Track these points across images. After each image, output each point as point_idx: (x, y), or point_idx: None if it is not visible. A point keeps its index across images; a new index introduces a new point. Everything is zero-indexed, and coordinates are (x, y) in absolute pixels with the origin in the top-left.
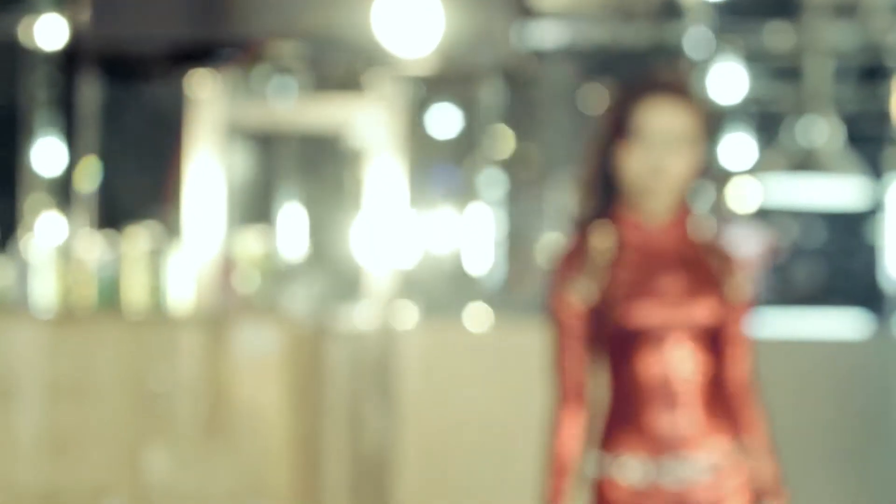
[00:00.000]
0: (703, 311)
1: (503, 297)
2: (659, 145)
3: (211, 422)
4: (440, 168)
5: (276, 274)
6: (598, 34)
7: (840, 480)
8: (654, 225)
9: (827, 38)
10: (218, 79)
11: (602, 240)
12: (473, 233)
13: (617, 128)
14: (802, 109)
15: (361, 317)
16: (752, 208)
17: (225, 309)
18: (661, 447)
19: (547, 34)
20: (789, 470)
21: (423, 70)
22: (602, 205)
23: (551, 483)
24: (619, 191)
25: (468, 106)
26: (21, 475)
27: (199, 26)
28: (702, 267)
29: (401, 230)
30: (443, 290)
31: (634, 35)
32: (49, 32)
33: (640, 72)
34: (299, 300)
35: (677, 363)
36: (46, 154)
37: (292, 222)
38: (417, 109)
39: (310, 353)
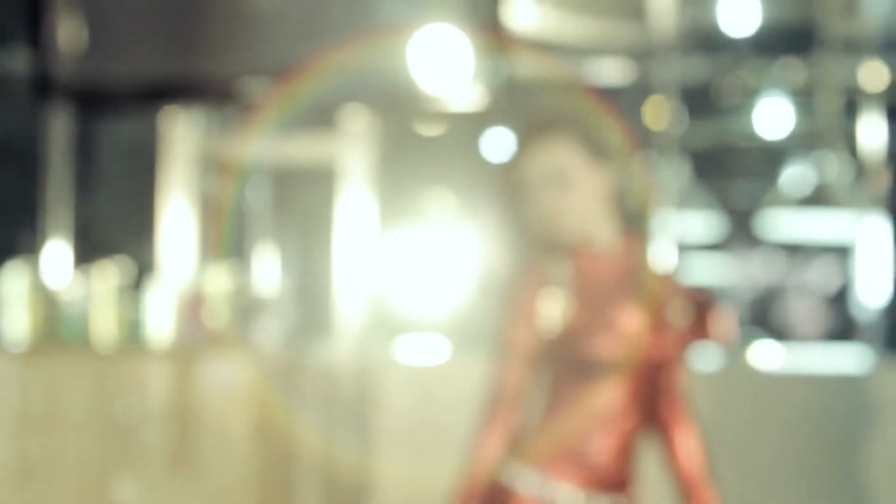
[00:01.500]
0: (652, 344)
1: (479, 329)
2: (541, 192)
3: (180, 454)
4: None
5: (248, 308)
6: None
7: None
8: (601, 252)
9: (839, 75)
10: (191, 115)
11: (556, 270)
12: (449, 265)
13: (508, 183)
14: (815, 145)
15: (335, 350)
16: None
17: (194, 343)
18: (594, 481)
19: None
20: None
21: (403, 106)
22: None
23: (461, 497)
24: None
25: (447, 140)
26: None
27: (174, 62)
28: (648, 298)
29: (375, 263)
30: (418, 321)
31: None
32: (22, 66)
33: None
34: (272, 334)
35: (615, 395)
36: (22, 188)
37: (266, 257)
38: (393, 144)
39: (281, 385)
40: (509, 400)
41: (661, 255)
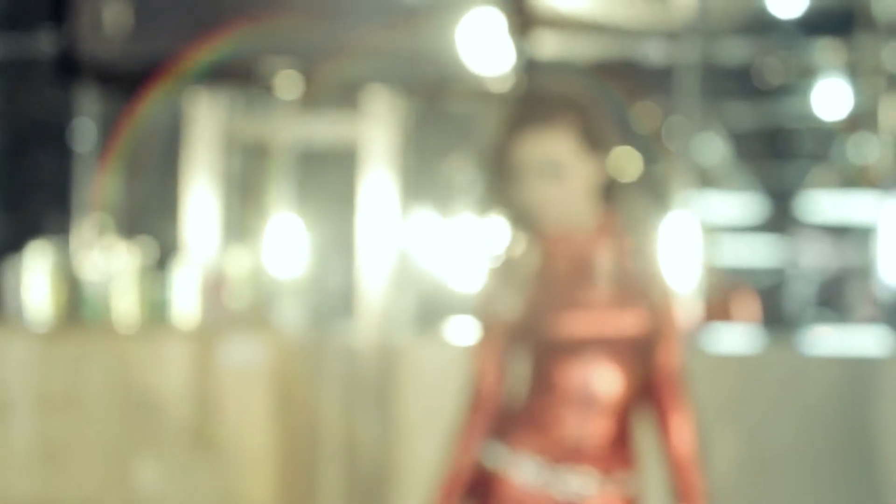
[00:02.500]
0: (629, 324)
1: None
2: (532, 178)
3: (200, 435)
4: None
5: (270, 289)
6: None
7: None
8: (579, 236)
9: (881, 56)
10: (217, 95)
11: (526, 252)
12: (468, 248)
13: (500, 165)
14: (853, 127)
15: (356, 332)
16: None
17: (216, 323)
18: (561, 455)
19: (549, 48)
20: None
21: (431, 86)
22: (521, 224)
23: (444, 488)
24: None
25: (468, 121)
26: (12, 486)
27: (200, 43)
28: (627, 278)
29: (397, 244)
30: (438, 304)
31: (656, 52)
32: (50, 47)
33: (520, 102)
34: (293, 315)
35: (599, 377)
36: (51, 168)
37: (288, 236)
38: (414, 126)
39: (301, 367)
40: (489, 389)
41: (686, 236)
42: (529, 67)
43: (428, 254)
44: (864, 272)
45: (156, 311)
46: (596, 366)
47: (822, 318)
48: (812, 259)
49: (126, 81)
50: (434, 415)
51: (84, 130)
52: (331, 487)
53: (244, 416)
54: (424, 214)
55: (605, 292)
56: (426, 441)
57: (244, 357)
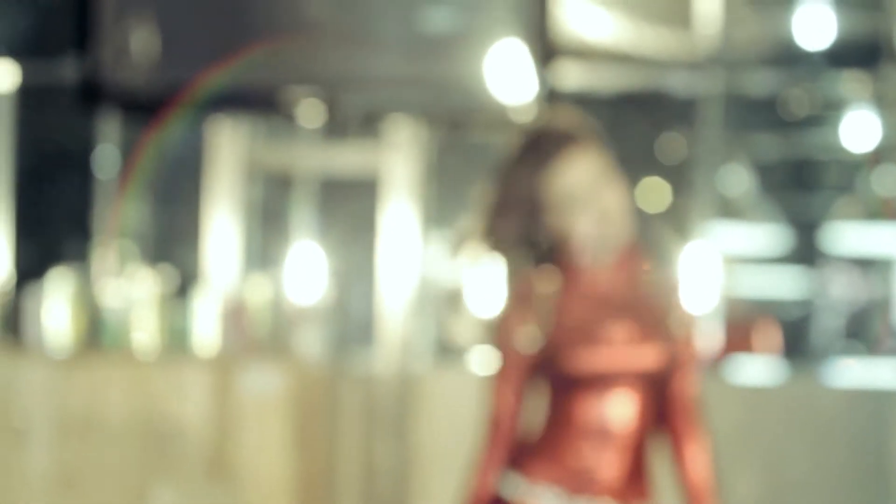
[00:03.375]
0: (648, 358)
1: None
2: (589, 197)
3: (218, 463)
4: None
5: (290, 317)
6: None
7: None
8: (599, 268)
9: None
10: (238, 123)
11: (546, 284)
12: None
13: (539, 197)
14: (879, 159)
15: (376, 360)
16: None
17: (235, 351)
18: (580, 486)
19: (574, 78)
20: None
21: (444, 115)
22: (543, 252)
23: None
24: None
25: (490, 151)
26: None
27: (222, 71)
28: (647, 311)
29: (418, 274)
30: (460, 334)
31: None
32: (73, 74)
33: (531, 132)
34: (313, 343)
35: (617, 409)
36: (73, 195)
37: (310, 266)
38: (436, 155)
39: (321, 395)
40: (507, 422)
41: (708, 266)
42: (553, 97)
43: (448, 283)
44: (888, 304)
45: (176, 339)
46: (614, 398)
47: (848, 351)
48: (838, 291)
49: (149, 108)
50: (452, 444)
51: (106, 157)
52: None
53: (263, 444)
54: (445, 244)
55: (624, 324)
56: (444, 470)
57: (264, 385)
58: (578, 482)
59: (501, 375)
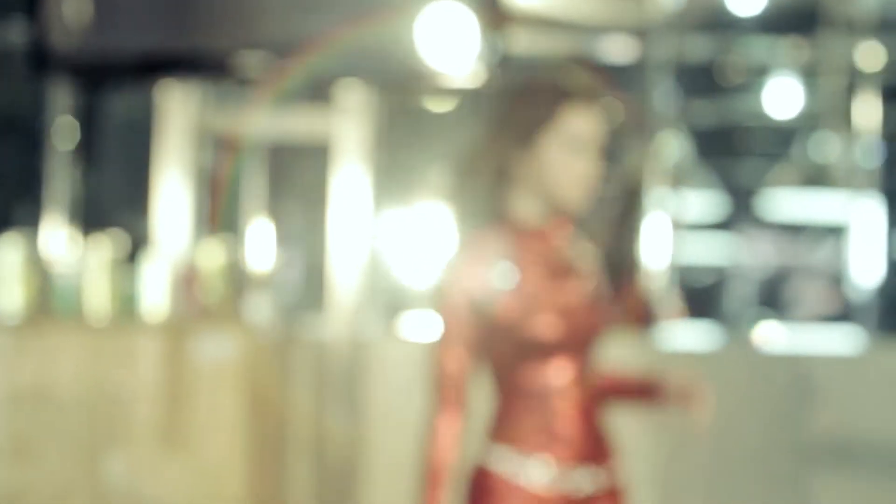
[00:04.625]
0: (599, 319)
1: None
2: (586, 153)
3: (171, 429)
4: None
5: (242, 282)
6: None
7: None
8: (543, 230)
9: (841, 55)
10: (189, 87)
11: (495, 246)
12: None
13: (539, 128)
14: (816, 125)
15: (328, 326)
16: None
17: (187, 317)
18: (569, 455)
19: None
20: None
21: (403, 81)
22: (496, 207)
23: (428, 494)
24: (513, 193)
25: (444, 116)
26: None
27: (172, 36)
28: (588, 273)
29: (369, 240)
30: (410, 299)
31: (665, 50)
32: (22, 39)
33: (562, 73)
34: (264, 310)
35: (567, 373)
36: (21, 161)
37: (260, 231)
38: (391, 120)
39: (272, 361)
40: (456, 392)
41: (656, 233)
42: (503, 64)
43: (399, 249)
44: (820, 270)
45: (127, 305)
46: (566, 363)
47: (762, 316)
48: (759, 257)
49: (98, 74)
50: (403, 409)
51: (55, 123)
52: (300, 481)
53: (214, 411)
54: (395, 210)
55: (571, 290)
56: (395, 435)
57: (215, 351)
58: (569, 449)
59: (447, 336)
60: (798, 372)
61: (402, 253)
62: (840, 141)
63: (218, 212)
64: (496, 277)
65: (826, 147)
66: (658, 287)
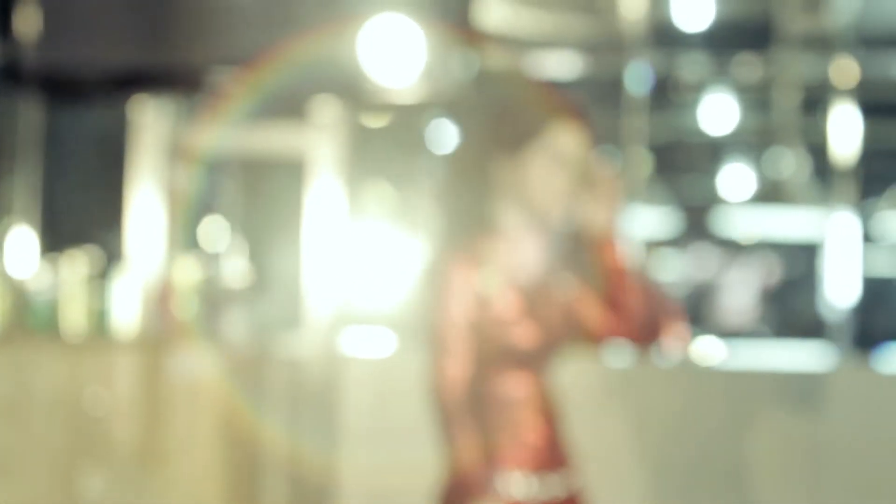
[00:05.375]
0: (566, 331)
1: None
2: (568, 168)
3: (147, 446)
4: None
5: (217, 299)
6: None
7: None
8: (525, 243)
9: (796, 70)
10: (161, 104)
11: (484, 259)
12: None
13: (522, 143)
14: (770, 141)
15: (303, 342)
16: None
17: (163, 333)
18: (538, 464)
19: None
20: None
21: (370, 97)
22: (480, 217)
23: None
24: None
25: (415, 133)
26: None
27: (144, 50)
28: (562, 285)
29: (344, 255)
30: (385, 314)
31: (595, 66)
32: None
33: (545, 92)
34: (240, 326)
35: (553, 381)
36: None
37: (234, 247)
38: (361, 136)
39: (248, 378)
40: (457, 397)
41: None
42: (478, 81)
43: (355, 264)
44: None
45: (101, 321)
46: (550, 371)
47: (698, 332)
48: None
49: (68, 90)
50: (377, 425)
51: (27, 138)
52: (275, 498)
53: (190, 427)
54: (367, 224)
55: (552, 300)
56: (369, 451)
57: (190, 367)
58: (540, 458)
59: (444, 349)
60: (756, 388)
61: (375, 268)
62: (795, 158)
63: (187, 228)
64: (485, 286)
65: (780, 163)
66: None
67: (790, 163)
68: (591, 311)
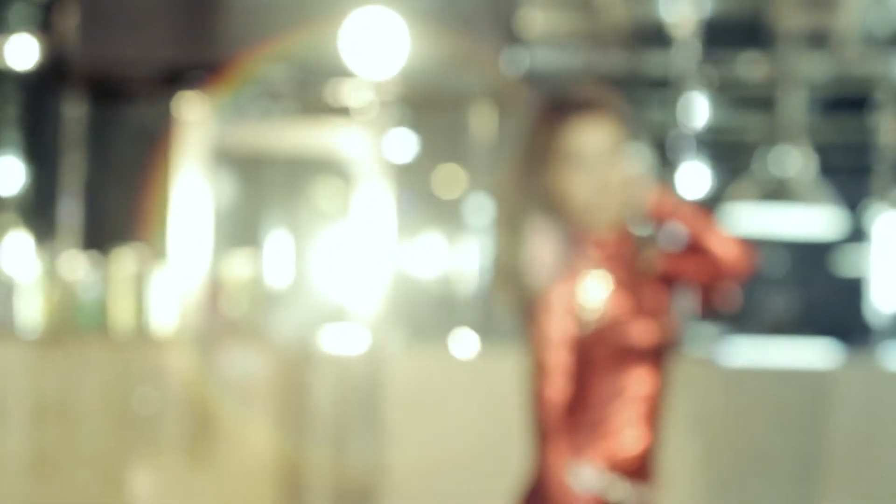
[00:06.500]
0: (664, 327)
1: (488, 323)
2: (595, 164)
3: (195, 444)
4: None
5: (263, 298)
6: (581, 60)
7: None
8: (612, 239)
9: (800, 69)
10: (205, 101)
11: (583, 262)
12: (459, 259)
13: (547, 152)
14: (775, 139)
15: (347, 341)
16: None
17: (211, 332)
18: (622, 465)
19: (536, 60)
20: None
21: (410, 94)
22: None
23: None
24: (561, 213)
25: (455, 131)
26: (5, 496)
27: (187, 48)
28: (649, 284)
29: (387, 255)
30: (429, 315)
31: (614, 62)
32: (32, 53)
33: (559, 92)
34: (285, 324)
35: (629, 385)
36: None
37: (279, 246)
38: (402, 134)
39: (295, 377)
40: (560, 407)
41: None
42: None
43: (424, 265)
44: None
45: (148, 319)
46: (639, 371)
47: (718, 330)
48: None
49: (115, 87)
50: (423, 423)
51: (72, 136)
52: (320, 494)
53: (241, 425)
54: (419, 227)
55: (649, 295)
56: (415, 448)
57: (241, 366)
58: (612, 459)
59: (552, 360)
60: (765, 386)
61: (423, 268)
62: (799, 155)
63: (232, 225)
64: (594, 288)
65: (786, 162)
66: None
67: (796, 161)
68: (686, 265)
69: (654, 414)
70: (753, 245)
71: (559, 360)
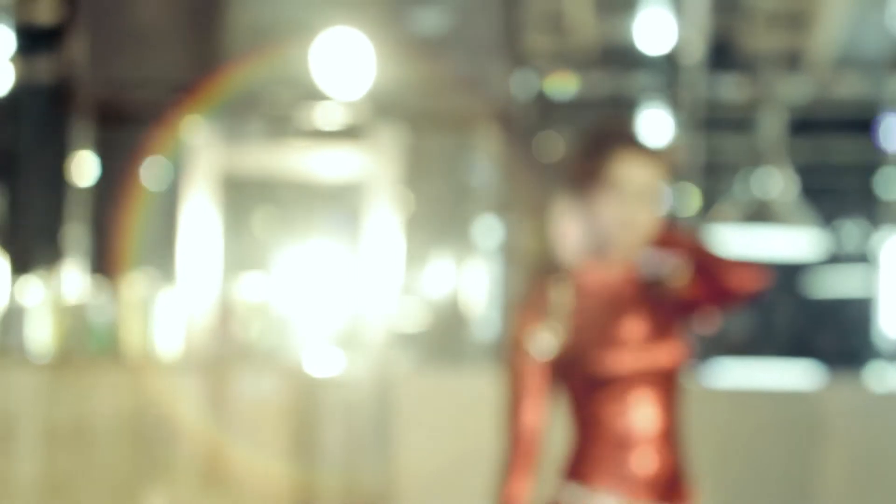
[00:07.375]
0: (665, 356)
1: (496, 345)
2: (633, 198)
3: (208, 467)
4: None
5: (273, 321)
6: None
7: None
8: (614, 271)
9: (780, 91)
10: (212, 124)
11: (562, 289)
12: (469, 281)
13: (590, 178)
14: (756, 161)
15: (356, 364)
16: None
17: (223, 355)
18: (638, 490)
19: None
20: None
21: (417, 116)
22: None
23: None
24: (584, 240)
25: (462, 153)
26: None
27: (195, 71)
28: (660, 309)
29: (396, 277)
30: (437, 337)
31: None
32: (45, 77)
33: (609, 122)
34: (295, 348)
35: (644, 409)
36: (43, 197)
37: (289, 269)
38: (413, 155)
39: (305, 400)
40: (530, 442)
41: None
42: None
43: (433, 287)
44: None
45: (158, 343)
46: (640, 398)
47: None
48: None
49: (125, 113)
50: (434, 445)
51: (80, 162)
52: None
53: (253, 448)
54: (427, 249)
55: (638, 324)
56: (426, 471)
57: (253, 390)
58: (636, 486)
59: (520, 387)
60: (754, 408)
61: (433, 290)
62: (781, 177)
63: (240, 248)
64: (564, 317)
65: (768, 183)
66: None
67: (777, 183)
68: (697, 292)
69: (671, 436)
70: (761, 266)
71: (525, 383)
